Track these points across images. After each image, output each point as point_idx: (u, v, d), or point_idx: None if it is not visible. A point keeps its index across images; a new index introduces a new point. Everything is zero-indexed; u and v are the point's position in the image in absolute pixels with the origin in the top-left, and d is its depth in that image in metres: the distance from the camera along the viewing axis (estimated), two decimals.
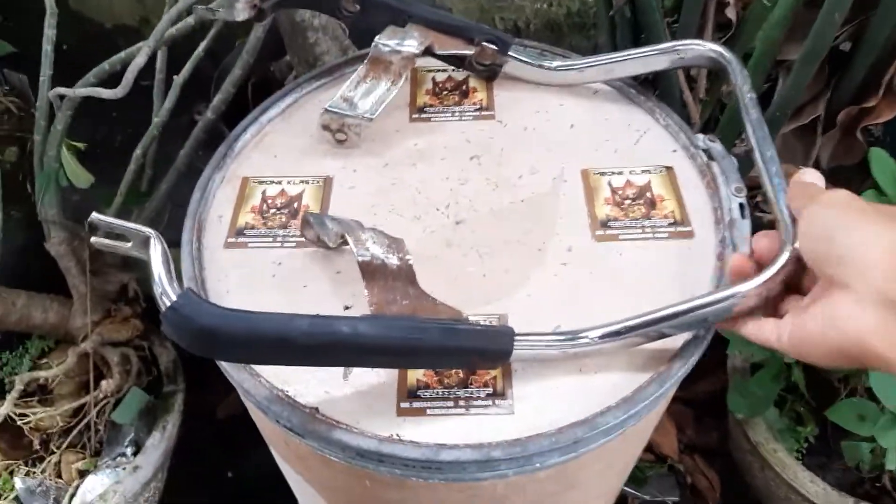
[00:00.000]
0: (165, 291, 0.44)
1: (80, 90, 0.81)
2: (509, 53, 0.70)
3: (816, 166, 0.90)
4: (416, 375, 0.52)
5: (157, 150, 0.94)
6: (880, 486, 0.95)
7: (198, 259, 0.60)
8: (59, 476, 0.89)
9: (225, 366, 0.53)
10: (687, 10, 0.79)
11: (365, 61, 0.67)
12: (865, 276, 0.36)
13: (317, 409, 0.50)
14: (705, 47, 0.64)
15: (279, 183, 0.65)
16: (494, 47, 0.69)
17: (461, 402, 0.50)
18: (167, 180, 0.93)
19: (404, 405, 0.50)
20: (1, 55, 1.10)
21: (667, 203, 0.61)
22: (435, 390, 0.51)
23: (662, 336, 0.50)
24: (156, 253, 0.47)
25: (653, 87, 0.86)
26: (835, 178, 0.93)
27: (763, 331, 0.44)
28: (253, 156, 0.68)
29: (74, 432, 0.91)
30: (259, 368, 0.52)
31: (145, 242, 0.48)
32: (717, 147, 0.63)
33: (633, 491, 1.13)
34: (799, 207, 0.44)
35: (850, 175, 0.90)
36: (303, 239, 0.60)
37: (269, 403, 0.50)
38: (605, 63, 0.68)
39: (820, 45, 0.70)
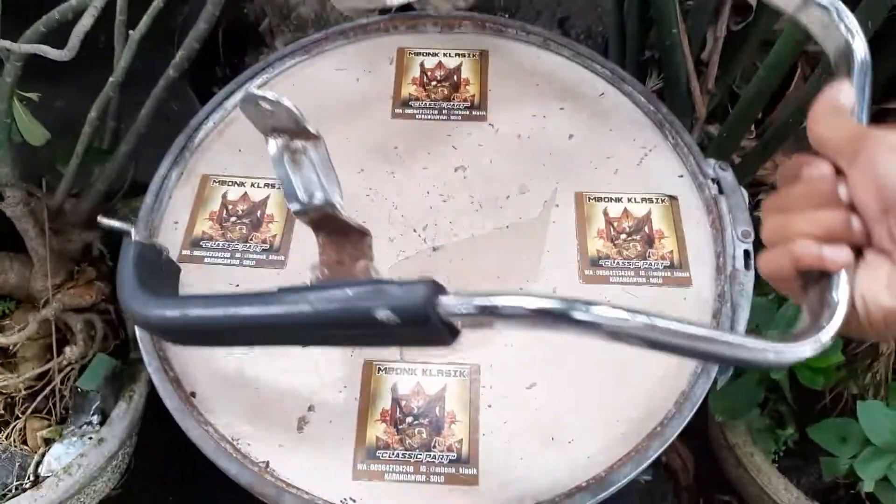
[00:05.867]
0: None
1: (26, 46, 0.73)
2: None
3: None
4: (375, 433, 0.48)
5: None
6: (855, 493, 0.95)
7: None
8: (25, 442, 0.88)
9: (175, 414, 0.49)
10: None
11: None
12: None
13: (267, 463, 0.47)
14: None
15: (242, 185, 0.59)
16: None
17: (422, 469, 0.47)
18: (127, 141, 0.85)
19: (361, 467, 0.47)
20: None
21: (666, 241, 0.55)
22: (395, 451, 0.48)
23: None
24: None
25: (658, 71, 0.77)
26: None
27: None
28: (215, 149, 0.62)
29: (39, 398, 0.89)
30: (209, 415, 0.48)
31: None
32: (727, 177, 0.57)
33: None
34: (840, 146, 0.33)
35: None
36: (263, 258, 0.55)
37: (216, 457, 0.47)
38: None
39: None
